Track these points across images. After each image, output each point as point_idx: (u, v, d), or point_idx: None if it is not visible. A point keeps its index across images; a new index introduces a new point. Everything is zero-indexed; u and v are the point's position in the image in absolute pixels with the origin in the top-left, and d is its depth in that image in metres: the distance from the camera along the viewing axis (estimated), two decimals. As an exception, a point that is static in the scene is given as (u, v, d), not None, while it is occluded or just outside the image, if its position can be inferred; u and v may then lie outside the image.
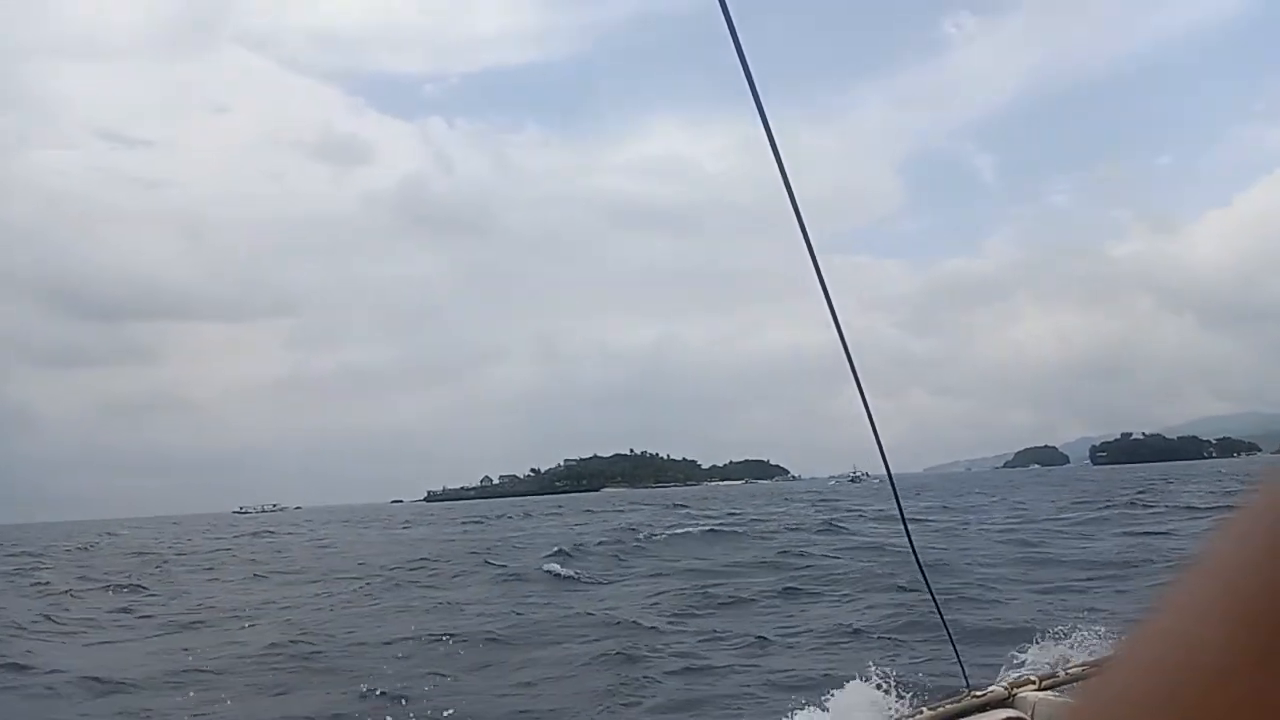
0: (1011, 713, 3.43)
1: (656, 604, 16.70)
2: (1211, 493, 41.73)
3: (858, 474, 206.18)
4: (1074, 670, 3.83)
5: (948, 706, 3.58)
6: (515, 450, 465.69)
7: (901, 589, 14.82)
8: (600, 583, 20.65)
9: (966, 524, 32.14)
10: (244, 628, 15.58)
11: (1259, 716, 0.41)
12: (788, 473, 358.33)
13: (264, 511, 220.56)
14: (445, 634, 13.56)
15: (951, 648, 4.25)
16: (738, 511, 49.35)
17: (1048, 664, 6.54)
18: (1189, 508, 32.65)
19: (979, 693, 3.64)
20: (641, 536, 30.24)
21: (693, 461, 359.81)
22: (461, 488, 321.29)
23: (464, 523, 56.02)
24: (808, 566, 20.74)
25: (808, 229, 2.76)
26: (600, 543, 27.98)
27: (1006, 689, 3.62)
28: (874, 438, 3.37)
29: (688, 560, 23.54)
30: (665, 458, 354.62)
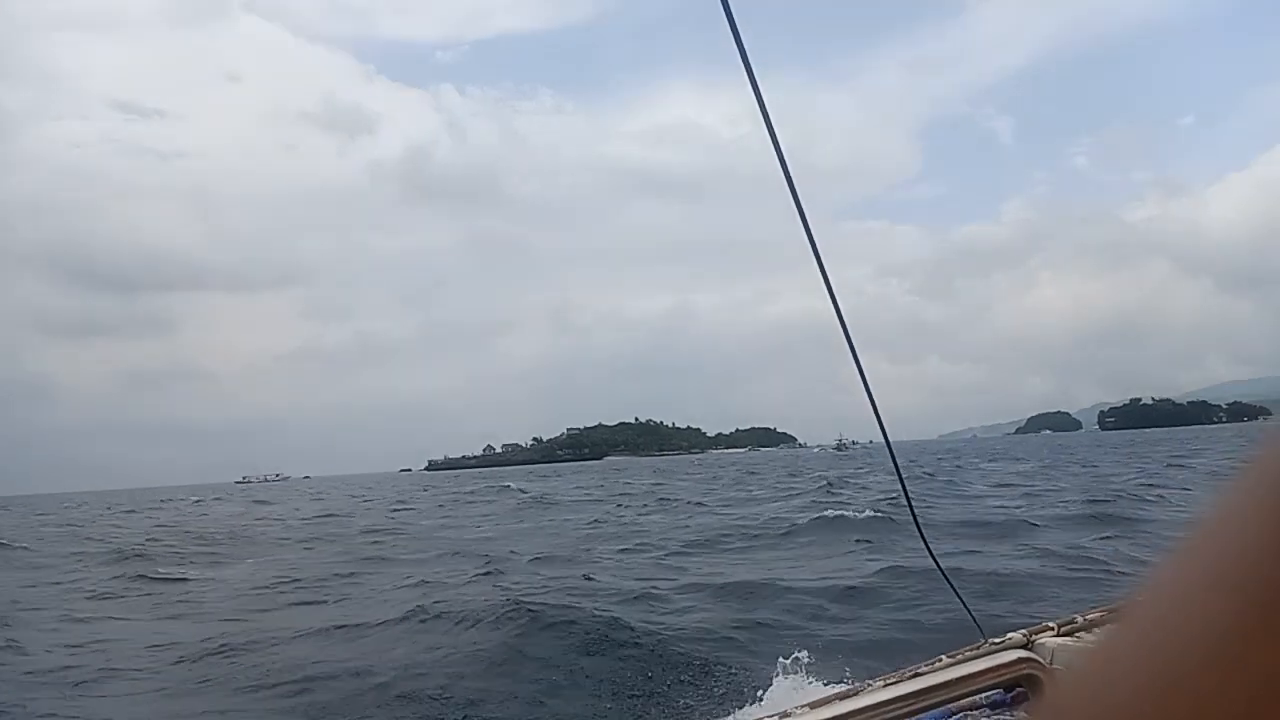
0: (1026, 654, 3.44)
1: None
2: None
3: (844, 442, 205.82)
4: (1092, 616, 3.75)
5: (967, 653, 3.51)
6: (521, 419, 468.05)
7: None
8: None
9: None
10: None
11: (1258, 686, 0.40)
12: (795, 440, 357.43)
13: (265, 481, 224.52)
14: None
15: (959, 600, 4.18)
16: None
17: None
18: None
19: (997, 640, 3.59)
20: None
21: (698, 429, 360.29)
22: (463, 456, 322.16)
23: (395, 501, 55.80)
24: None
25: (799, 195, 2.72)
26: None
27: (1025, 635, 3.61)
28: (869, 401, 3.28)
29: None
30: (670, 426, 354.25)
